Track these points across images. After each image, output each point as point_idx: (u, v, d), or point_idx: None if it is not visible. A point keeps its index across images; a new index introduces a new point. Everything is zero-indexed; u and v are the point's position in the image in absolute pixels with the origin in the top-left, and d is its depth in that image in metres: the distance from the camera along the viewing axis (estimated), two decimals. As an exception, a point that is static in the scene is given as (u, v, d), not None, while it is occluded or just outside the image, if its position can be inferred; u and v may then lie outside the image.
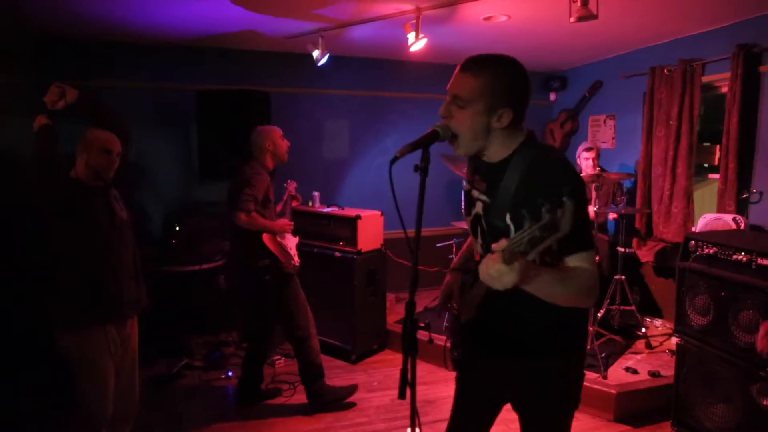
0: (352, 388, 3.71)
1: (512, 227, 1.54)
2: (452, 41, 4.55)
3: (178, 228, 4.46)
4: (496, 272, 1.26)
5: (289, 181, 3.88)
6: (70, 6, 3.51)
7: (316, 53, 4.27)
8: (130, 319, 2.57)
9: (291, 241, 3.63)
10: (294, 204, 3.90)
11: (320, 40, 4.21)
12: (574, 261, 1.48)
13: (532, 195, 1.44)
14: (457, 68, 1.59)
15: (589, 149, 4.62)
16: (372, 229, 4.44)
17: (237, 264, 3.64)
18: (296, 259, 3.60)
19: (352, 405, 3.64)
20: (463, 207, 1.82)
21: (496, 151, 1.61)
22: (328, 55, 4.30)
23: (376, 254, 4.51)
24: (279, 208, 3.76)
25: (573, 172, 1.56)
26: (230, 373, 4.10)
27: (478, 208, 1.67)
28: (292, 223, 3.62)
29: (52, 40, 4.29)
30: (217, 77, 4.77)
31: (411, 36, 3.80)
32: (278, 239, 3.50)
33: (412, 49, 3.85)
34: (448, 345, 1.92)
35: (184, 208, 4.78)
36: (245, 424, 3.45)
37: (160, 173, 4.78)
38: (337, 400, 3.61)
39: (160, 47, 4.63)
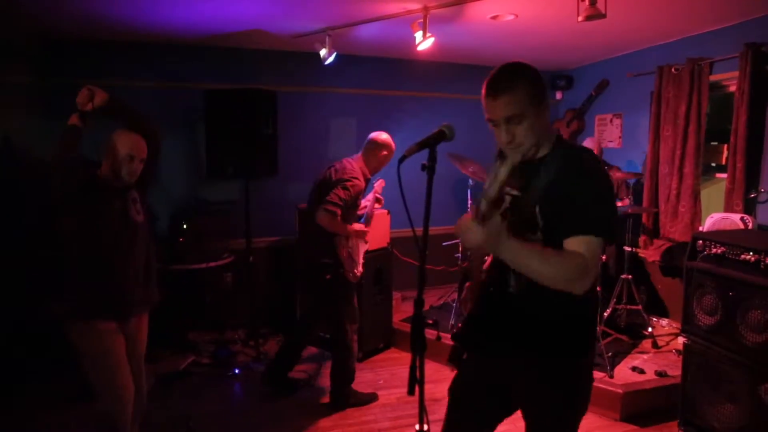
0: (373, 396, 3.74)
1: (540, 221, 1.59)
2: (459, 40, 4.55)
3: (185, 226, 4.48)
4: (465, 228, 1.39)
5: (379, 180, 3.87)
6: (77, 5, 3.54)
7: (323, 52, 4.28)
8: (133, 317, 2.56)
9: (360, 248, 3.64)
10: (377, 206, 3.88)
11: (327, 38, 4.21)
12: (572, 243, 1.51)
13: (563, 190, 1.54)
14: (488, 99, 1.63)
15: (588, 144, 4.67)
16: (379, 228, 4.45)
17: (303, 260, 3.69)
18: (360, 268, 3.60)
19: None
20: None
21: (533, 153, 1.68)
22: (335, 53, 4.31)
23: (383, 252, 4.53)
24: (362, 205, 3.73)
25: (599, 168, 1.63)
26: (237, 371, 4.12)
27: (507, 202, 1.68)
28: (368, 229, 3.63)
29: (58, 39, 4.32)
30: (224, 76, 4.79)
31: (418, 35, 3.80)
32: (349, 243, 3.50)
33: (420, 48, 3.85)
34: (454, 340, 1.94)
35: (192, 207, 4.80)
36: (251, 420, 3.47)
37: (167, 172, 4.79)
38: (358, 406, 3.64)
39: (168, 46, 4.65)
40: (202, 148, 4.30)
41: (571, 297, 1.50)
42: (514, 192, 1.68)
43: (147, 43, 4.57)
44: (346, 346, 3.55)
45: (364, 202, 3.76)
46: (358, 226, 3.55)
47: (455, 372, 1.95)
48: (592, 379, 1.78)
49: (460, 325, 1.83)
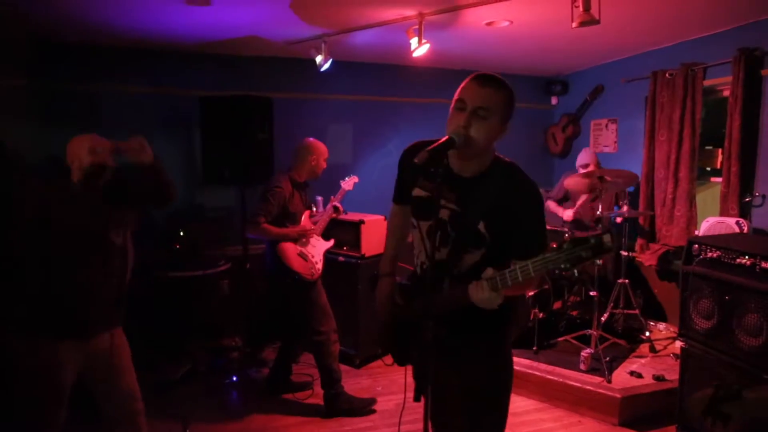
0: (371, 401, 3.71)
1: (487, 235, 1.72)
2: (454, 46, 4.57)
3: (181, 233, 4.48)
4: (486, 299, 1.55)
5: (351, 177, 4.05)
6: (73, 11, 3.53)
7: (319, 59, 4.29)
8: (97, 335, 2.37)
9: (318, 248, 3.77)
10: (334, 215, 3.97)
11: (323, 45, 4.22)
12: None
13: (508, 210, 1.70)
14: (473, 83, 1.70)
15: (585, 166, 4.68)
16: (375, 234, 4.45)
17: (265, 270, 3.78)
18: (317, 267, 3.69)
19: (372, 412, 3.66)
20: (415, 211, 1.90)
21: (473, 164, 1.76)
22: (331, 60, 4.32)
23: (380, 259, 4.51)
24: (325, 211, 3.94)
25: (535, 186, 1.77)
26: (234, 378, 4.10)
27: (443, 214, 1.78)
28: (310, 227, 3.71)
29: (54, 44, 4.31)
30: (220, 83, 4.79)
31: (414, 41, 3.81)
32: (299, 247, 3.62)
33: (415, 54, 3.87)
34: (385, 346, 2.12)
35: (188, 214, 4.79)
36: (249, 428, 3.46)
37: (163, 179, 4.79)
38: (355, 410, 3.62)
39: (164, 53, 4.65)
40: (198, 155, 4.29)
41: None
42: (452, 206, 1.77)
43: (143, 50, 4.57)
44: (320, 345, 3.59)
45: (322, 212, 3.98)
46: (296, 227, 3.65)
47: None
48: (511, 354, 1.95)
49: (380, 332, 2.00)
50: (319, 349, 3.61)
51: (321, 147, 3.75)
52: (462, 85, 1.73)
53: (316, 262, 3.70)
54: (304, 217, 3.75)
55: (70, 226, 2.27)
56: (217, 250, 4.59)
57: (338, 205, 3.95)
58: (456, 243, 1.76)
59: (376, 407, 3.70)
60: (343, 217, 4.31)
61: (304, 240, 3.69)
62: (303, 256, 3.62)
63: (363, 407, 3.65)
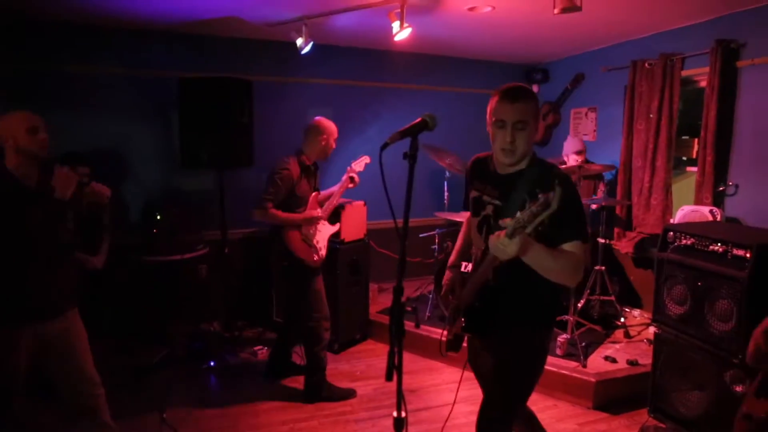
0: (350, 392, 3.69)
1: None
2: (437, 31, 4.55)
3: (159, 217, 4.41)
4: (501, 244, 1.64)
5: (363, 157, 3.87)
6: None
7: (299, 41, 4.24)
8: (52, 319, 2.40)
9: (323, 233, 3.67)
10: (350, 186, 3.81)
11: (304, 28, 4.17)
12: (567, 247, 1.84)
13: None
14: (506, 102, 1.90)
15: (579, 152, 4.70)
16: (355, 219, 4.45)
17: (268, 252, 3.74)
18: (321, 253, 3.61)
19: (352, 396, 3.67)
20: (470, 210, 2.20)
21: (518, 162, 1.98)
22: (311, 43, 4.26)
23: (360, 244, 4.52)
24: (337, 190, 3.78)
25: (571, 181, 1.94)
26: (212, 363, 4.08)
27: (488, 210, 2.04)
28: (317, 214, 3.59)
29: (25, 21, 4.18)
30: (199, 64, 4.71)
31: (395, 25, 3.78)
32: (305, 231, 3.53)
33: (397, 38, 3.84)
34: (446, 333, 2.32)
35: (166, 197, 4.73)
36: (227, 413, 3.45)
37: (140, 161, 4.71)
38: (332, 400, 3.61)
39: (141, 32, 4.55)
40: (176, 138, 4.22)
41: (535, 285, 1.90)
42: (496, 202, 2.01)
43: (119, 29, 4.46)
44: (310, 332, 3.56)
45: (332, 189, 3.81)
46: (309, 212, 3.55)
47: (451, 356, 2.36)
48: (547, 350, 2.15)
49: (463, 319, 2.12)
50: (309, 335, 3.56)
51: (331, 126, 3.58)
52: (494, 104, 1.94)
53: (320, 248, 3.61)
54: (311, 199, 3.60)
55: (22, 224, 2.25)
56: (196, 235, 4.54)
57: (355, 175, 3.78)
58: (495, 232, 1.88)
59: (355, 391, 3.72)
60: (337, 202, 4.23)
61: (311, 227, 3.57)
62: (307, 242, 3.52)
63: (342, 397, 3.64)
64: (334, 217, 4.09)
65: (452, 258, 2.38)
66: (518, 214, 1.59)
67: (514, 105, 1.89)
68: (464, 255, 2.34)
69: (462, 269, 2.23)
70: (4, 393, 2.32)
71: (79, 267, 2.59)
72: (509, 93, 1.91)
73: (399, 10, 3.71)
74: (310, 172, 3.57)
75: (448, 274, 2.32)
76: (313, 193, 3.63)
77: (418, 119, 1.71)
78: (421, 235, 4.94)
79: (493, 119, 1.94)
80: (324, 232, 3.69)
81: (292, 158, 3.48)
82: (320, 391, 3.60)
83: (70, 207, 2.38)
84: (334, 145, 3.62)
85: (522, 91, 1.92)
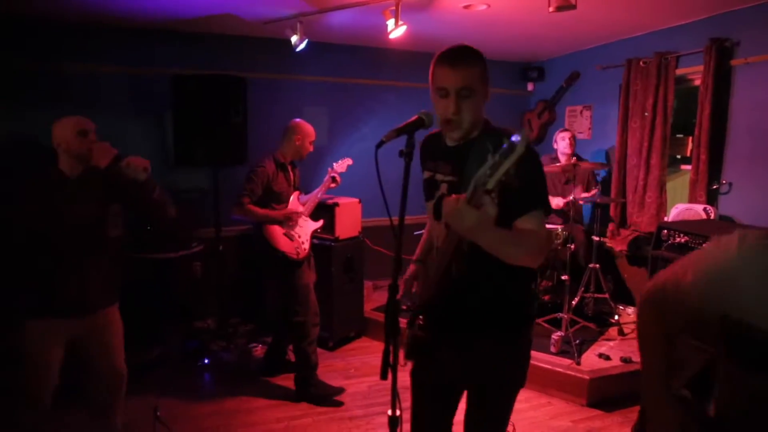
0: (340, 390, 3.68)
1: None
2: (432, 29, 4.54)
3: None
4: (458, 210, 1.37)
5: (345, 159, 3.99)
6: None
7: (294, 39, 4.22)
8: (93, 313, 2.48)
9: (305, 228, 3.74)
10: (332, 186, 3.92)
11: (299, 25, 4.16)
12: (525, 221, 1.60)
13: None
14: (446, 67, 1.67)
15: (564, 130, 4.78)
16: (350, 217, 4.44)
17: (252, 249, 3.82)
18: (303, 248, 3.65)
19: (340, 404, 3.56)
20: (425, 194, 1.93)
21: (467, 134, 1.72)
22: (306, 40, 4.25)
23: (354, 242, 4.52)
24: (318, 189, 3.90)
25: (534, 150, 1.66)
26: (207, 361, 4.08)
27: (443, 189, 1.77)
28: (296, 209, 3.66)
29: (18, 18, 4.15)
30: (193, 62, 4.68)
31: (390, 23, 3.78)
32: (286, 228, 3.59)
33: (392, 36, 3.83)
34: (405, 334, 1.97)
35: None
36: (221, 410, 3.45)
37: (134, 159, 4.68)
38: (323, 396, 3.59)
39: (135, 30, 4.52)
40: (170, 135, 4.20)
41: (502, 274, 1.65)
42: (449, 178, 1.75)
43: (112, 26, 4.43)
44: (297, 327, 3.56)
45: (314, 191, 3.92)
46: (282, 211, 3.59)
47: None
48: (529, 355, 1.86)
49: (421, 318, 1.87)
50: (296, 331, 3.57)
51: (307, 128, 3.68)
52: (433, 69, 1.71)
53: (303, 242, 3.65)
54: (293, 198, 3.69)
55: (70, 219, 2.32)
56: (189, 233, 4.52)
57: (336, 175, 3.88)
58: None
59: (349, 389, 3.71)
60: (318, 199, 4.27)
61: (291, 223, 3.63)
62: (289, 236, 3.59)
63: (334, 394, 3.62)
64: (320, 214, 4.13)
65: (418, 251, 2.15)
66: (479, 171, 1.32)
67: (456, 70, 1.64)
68: (431, 250, 2.07)
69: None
70: (38, 387, 2.40)
71: (125, 262, 2.64)
72: (450, 56, 1.66)
73: (394, 8, 3.70)
74: (286, 170, 3.65)
75: (411, 268, 2.08)
76: (295, 192, 3.72)
77: (414, 117, 1.65)
78: (416, 233, 4.87)
79: (434, 87, 1.70)
80: (306, 227, 3.75)
81: (267, 156, 3.59)
82: (309, 387, 3.59)
83: (107, 188, 2.42)
84: (310, 148, 3.72)
85: (466, 52, 1.67)
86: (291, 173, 3.70)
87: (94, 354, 2.52)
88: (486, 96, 1.71)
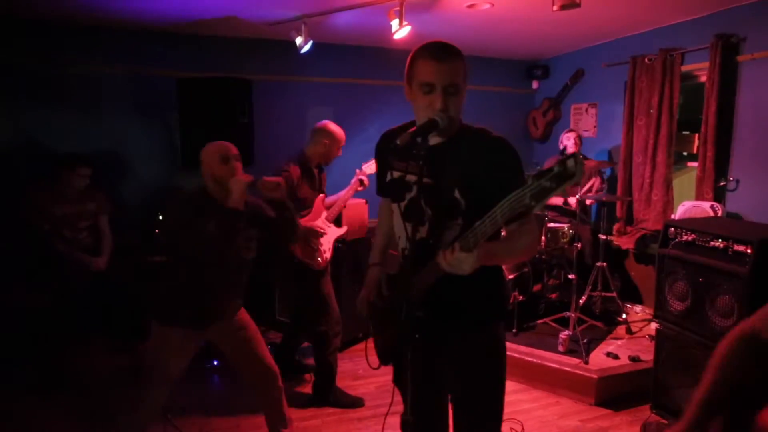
0: (359, 401, 3.58)
1: (462, 202, 1.62)
2: (436, 29, 4.54)
3: (160, 218, 4.42)
4: (455, 260, 1.38)
5: (372, 159, 3.63)
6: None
7: (299, 40, 4.24)
8: (228, 318, 2.69)
9: (328, 235, 3.54)
10: (360, 189, 3.71)
11: (303, 26, 4.17)
12: (518, 224, 1.60)
13: (483, 171, 1.60)
14: (432, 62, 1.59)
15: (570, 130, 4.81)
16: (357, 218, 4.44)
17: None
18: (324, 255, 3.47)
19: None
20: (391, 195, 1.88)
21: (448, 133, 1.65)
22: (311, 42, 4.26)
23: (361, 243, 4.52)
24: (345, 193, 3.69)
25: (506, 141, 1.67)
26: (216, 362, 4.09)
27: (415, 192, 1.62)
28: (318, 226, 3.47)
29: (25, 21, 4.18)
30: (198, 64, 4.71)
31: (395, 23, 3.78)
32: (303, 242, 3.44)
33: (396, 36, 3.84)
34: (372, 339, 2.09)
35: (166, 198, 4.72)
36: (230, 412, 3.46)
37: (140, 161, 4.72)
38: (339, 406, 3.54)
39: (140, 32, 4.55)
40: (177, 138, 4.22)
41: (486, 270, 1.54)
42: (426, 180, 1.62)
43: (119, 29, 4.47)
44: (321, 337, 3.50)
45: (339, 194, 3.71)
46: (311, 223, 3.44)
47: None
48: (504, 350, 1.84)
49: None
50: (320, 340, 3.49)
51: (337, 133, 3.45)
52: (417, 65, 1.63)
53: (324, 251, 3.49)
54: (317, 202, 3.51)
55: (215, 241, 2.40)
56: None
57: (365, 177, 3.67)
58: (433, 219, 1.68)
59: (357, 391, 3.71)
60: (344, 203, 4.17)
61: (312, 240, 3.44)
62: (309, 243, 3.43)
63: (351, 405, 3.54)
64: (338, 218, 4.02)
65: (373, 255, 2.12)
66: (510, 195, 1.25)
67: (444, 65, 1.58)
68: (387, 251, 2.09)
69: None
70: (166, 384, 2.65)
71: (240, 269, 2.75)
72: (437, 51, 1.60)
73: (398, 8, 3.70)
74: (312, 175, 3.46)
75: (369, 275, 2.06)
76: (320, 196, 3.55)
77: (429, 119, 1.57)
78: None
79: (418, 82, 1.62)
80: (329, 234, 3.58)
81: (292, 161, 3.37)
82: (328, 396, 3.56)
83: (244, 218, 2.47)
84: (339, 153, 3.53)
85: (451, 48, 1.62)
86: (317, 177, 3.51)
87: (236, 347, 2.77)
88: (464, 95, 1.65)
